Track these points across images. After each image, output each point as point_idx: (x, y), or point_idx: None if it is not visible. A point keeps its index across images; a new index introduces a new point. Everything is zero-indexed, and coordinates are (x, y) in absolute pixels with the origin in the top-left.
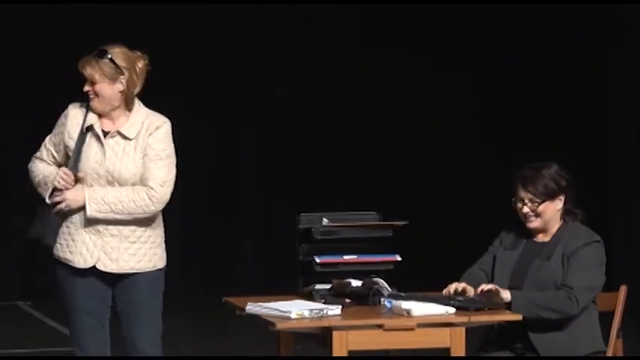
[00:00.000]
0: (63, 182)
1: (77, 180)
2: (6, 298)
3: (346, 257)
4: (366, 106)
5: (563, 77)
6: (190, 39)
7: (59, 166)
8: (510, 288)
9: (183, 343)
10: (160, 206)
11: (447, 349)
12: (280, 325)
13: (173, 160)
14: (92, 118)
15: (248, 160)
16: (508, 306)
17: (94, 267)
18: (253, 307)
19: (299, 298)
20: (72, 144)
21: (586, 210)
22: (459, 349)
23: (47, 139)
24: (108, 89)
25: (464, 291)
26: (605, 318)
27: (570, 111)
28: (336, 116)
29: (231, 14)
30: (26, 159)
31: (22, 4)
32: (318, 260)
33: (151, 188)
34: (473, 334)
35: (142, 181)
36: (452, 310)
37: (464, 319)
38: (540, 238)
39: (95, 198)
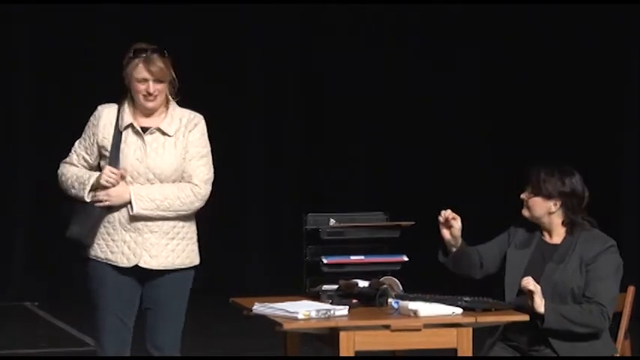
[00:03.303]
0: (111, 180)
1: (122, 177)
2: (13, 299)
3: (353, 258)
4: (373, 106)
5: (575, 77)
6: (200, 35)
7: (91, 168)
8: (522, 291)
9: (189, 343)
10: (203, 203)
11: (454, 350)
12: (287, 326)
13: (211, 156)
14: (129, 117)
15: (255, 159)
16: (540, 317)
17: (135, 265)
18: (260, 308)
19: (306, 299)
20: (107, 144)
21: (596, 210)
22: (465, 350)
23: (76, 143)
24: (165, 87)
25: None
26: (613, 317)
27: (581, 111)
28: (343, 117)
29: (240, 13)
30: (37, 160)
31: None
32: (325, 261)
33: (196, 185)
34: (480, 334)
35: (183, 178)
36: (459, 310)
37: (471, 319)
38: (549, 238)
39: (141, 195)
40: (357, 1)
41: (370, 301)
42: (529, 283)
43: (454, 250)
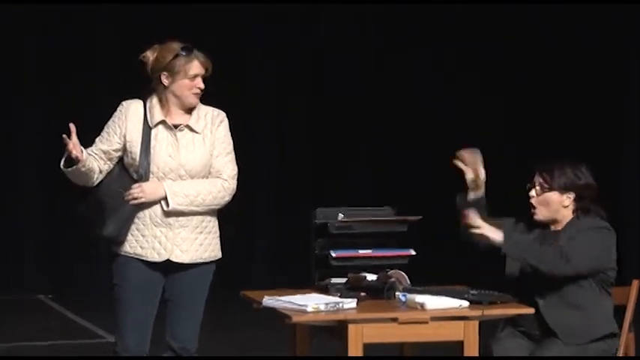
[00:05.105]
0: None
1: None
2: (28, 292)
3: (361, 251)
4: (373, 106)
5: (575, 77)
6: (200, 35)
7: (110, 160)
8: (523, 268)
9: (200, 336)
10: (231, 197)
11: (461, 342)
12: (296, 319)
13: (234, 152)
14: (159, 114)
15: (257, 158)
16: (497, 247)
17: (166, 259)
18: (270, 301)
19: (315, 292)
20: (136, 138)
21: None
22: (472, 342)
23: (97, 139)
24: None
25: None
26: (618, 312)
27: (582, 110)
28: (351, 115)
29: (240, 13)
30: (49, 157)
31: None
32: (333, 254)
33: (225, 180)
34: (484, 325)
35: (210, 174)
36: (465, 303)
37: (477, 312)
38: (553, 227)
39: (176, 191)
40: (357, 1)
41: (378, 294)
42: (472, 221)
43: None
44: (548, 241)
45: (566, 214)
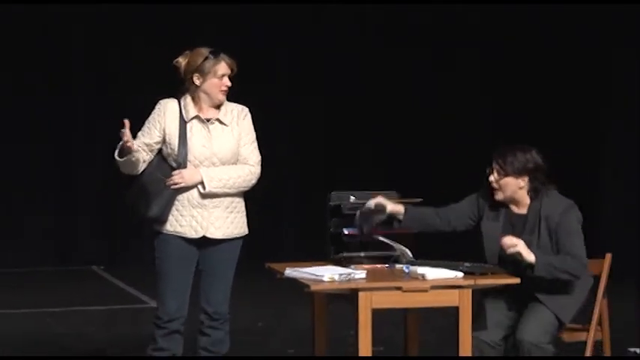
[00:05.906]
0: (126, 135)
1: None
2: (82, 263)
3: None
4: (380, 104)
5: (574, 76)
6: (200, 36)
7: (151, 151)
8: (501, 258)
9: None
10: (256, 181)
11: (456, 308)
12: (314, 287)
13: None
14: (193, 110)
15: (286, 150)
16: (531, 267)
17: (202, 236)
18: (291, 272)
19: (330, 264)
20: (173, 132)
21: (578, 186)
22: (466, 308)
23: (140, 134)
24: None
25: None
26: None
27: (580, 108)
28: (354, 114)
29: (240, 13)
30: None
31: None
32: (346, 232)
33: (252, 166)
34: (477, 294)
35: (238, 161)
36: (460, 274)
37: (470, 281)
38: (515, 209)
39: (211, 176)
40: (357, 1)
41: (385, 262)
42: (510, 243)
43: (401, 217)
44: (519, 229)
45: (523, 194)
